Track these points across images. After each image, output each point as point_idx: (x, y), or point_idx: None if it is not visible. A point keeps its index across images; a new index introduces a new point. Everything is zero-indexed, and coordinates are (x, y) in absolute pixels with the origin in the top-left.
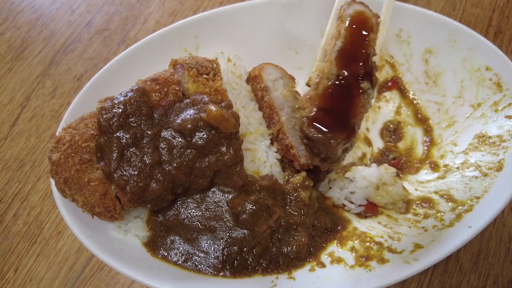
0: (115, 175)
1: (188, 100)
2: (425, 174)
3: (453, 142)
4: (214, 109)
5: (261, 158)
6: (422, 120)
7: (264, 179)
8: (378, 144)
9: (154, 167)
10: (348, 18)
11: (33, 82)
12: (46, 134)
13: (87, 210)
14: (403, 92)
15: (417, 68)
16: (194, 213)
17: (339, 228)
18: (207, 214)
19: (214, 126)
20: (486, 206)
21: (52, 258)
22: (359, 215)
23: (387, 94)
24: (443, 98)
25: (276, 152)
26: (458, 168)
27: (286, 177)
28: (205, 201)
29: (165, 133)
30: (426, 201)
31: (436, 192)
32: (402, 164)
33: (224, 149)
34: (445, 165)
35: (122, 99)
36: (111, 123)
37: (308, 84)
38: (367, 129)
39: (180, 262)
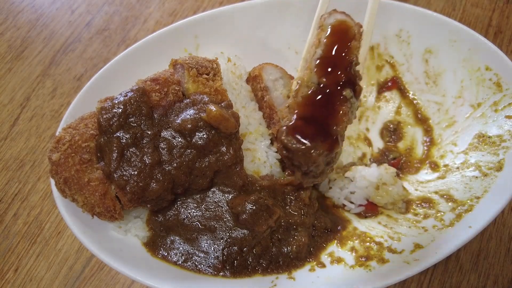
0: (115, 175)
1: (188, 100)
2: (425, 174)
3: (453, 142)
4: (214, 109)
5: (261, 158)
6: (422, 120)
7: (264, 179)
8: (378, 144)
9: (154, 167)
10: (329, 27)
11: (33, 82)
12: (46, 134)
13: (87, 210)
14: (403, 92)
15: (417, 68)
16: (194, 213)
17: (339, 228)
18: (207, 214)
19: (214, 126)
20: (486, 206)
21: (52, 258)
22: (359, 215)
23: (387, 94)
24: (443, 98)
25: (276, 152)
26: (458, 168)
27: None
28: (205, 201)
29: (165, 133)
30: (426, 201)
31: (436, 192)
32: (402, 164)
33: (224, 149)
34: (445, 165)
35: (122, 99)
36: (111, 123)
37: (288, 96)
38: (367, 129)
39: (180, 262)
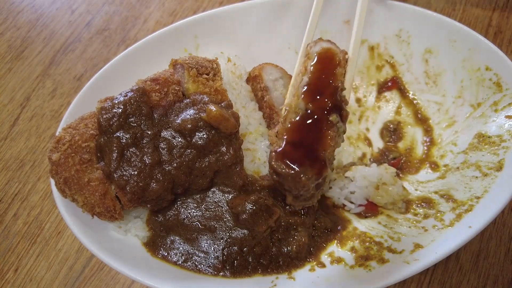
0: (115, 175)
1: (188, 100)
2: (425, 174)
3: (453, 142)
4: (214, 109)
5: (261, 158)
6: (422, 120)
7: (264, 179)
8: (378, 144)
9: (154, 167)
10: (315, 55)
11: (33, 82)
12: (46, 134)
13: (87, 210)
14: (403, 92)
15: (417, 68)
16: (194, 213)
17: (339, 228)
18: (207, 214)
19: (214, 126)
20: (486, 206)
21: (52, 258)
22: (359, 215)
23: (387, 94)
24: (443, 98)
25: None
26: (458, 168)
27: None
28: (205, 201)
29: (165, 133)
30: (426, 201)
31: (436, 192)
32: (402, 164)
33: (224, 149)
34: (445, 165)
35: (122, 99)
36: (111, 123)
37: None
38: (367, 129)
39: (180, 262)
